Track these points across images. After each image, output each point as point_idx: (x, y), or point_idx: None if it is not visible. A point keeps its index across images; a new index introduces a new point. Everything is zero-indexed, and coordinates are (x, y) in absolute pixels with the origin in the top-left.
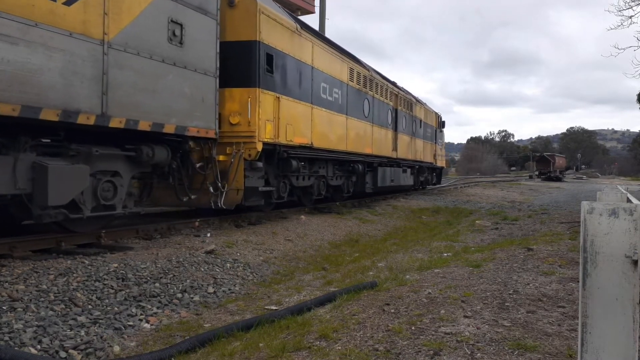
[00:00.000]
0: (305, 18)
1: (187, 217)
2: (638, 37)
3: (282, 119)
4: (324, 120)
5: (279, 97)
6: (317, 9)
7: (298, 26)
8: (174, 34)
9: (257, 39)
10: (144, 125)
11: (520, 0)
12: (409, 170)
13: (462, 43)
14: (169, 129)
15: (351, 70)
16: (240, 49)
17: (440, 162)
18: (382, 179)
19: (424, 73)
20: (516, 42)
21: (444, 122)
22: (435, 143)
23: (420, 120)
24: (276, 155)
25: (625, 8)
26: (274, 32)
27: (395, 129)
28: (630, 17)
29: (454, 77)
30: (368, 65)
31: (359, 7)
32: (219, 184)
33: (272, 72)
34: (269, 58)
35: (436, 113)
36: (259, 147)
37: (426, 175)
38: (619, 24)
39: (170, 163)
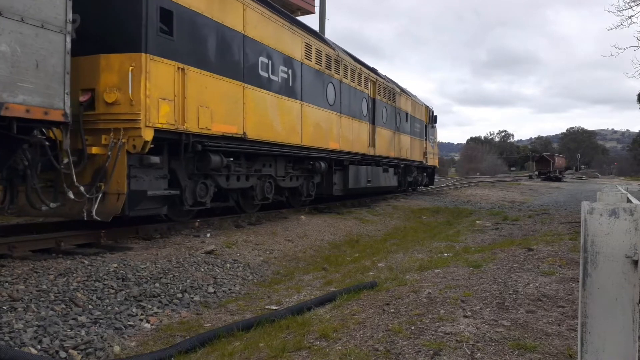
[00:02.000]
0: (305, 18)
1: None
2: (638, 37)
3: (190, 98)
4: (264, 104)
5: (184, 69)
6: (317, 9)
7: None
8: None
9: None
10: None
11: (518, 0)
12: (391, 169)
13: (460, 43)
14: None
15: (308, 46)
16: None
17: (432, 161)
18: (355, 180)
19: (423, 73)
20: (514, 41)
21: (435, 117)
22: (426, 140)
23: (407, 114)
24: (182, 148)
25: (625, 8)
26: None
27: (373, 122)
28: (630, 17)
29: (453, 77)
30: (335, 44)
31: (355, 7)
32: (94, 187)
33: (171, 34)
34: (166, 15)
35: (426, 106)
36: (147, 135)
37: (415, 176)
38: (619, 24)
39: (14, 158)
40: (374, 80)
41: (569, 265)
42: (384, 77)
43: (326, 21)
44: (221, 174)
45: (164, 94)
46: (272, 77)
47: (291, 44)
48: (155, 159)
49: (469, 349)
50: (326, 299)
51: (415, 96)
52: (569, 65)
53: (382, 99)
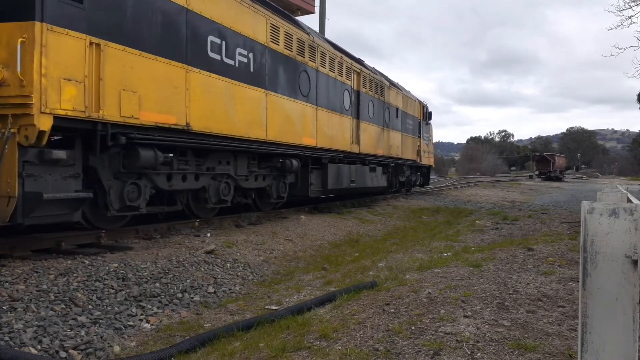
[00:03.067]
0: (305, 18)
1: (187, 218)
2: (638, 37)
3: (109, 80)
4: (215, 92)
5: (99, 45)
6: (317, 9)
7: None
8: None
9: None
10: None
11: (517, 0)
12: (379, 168)
13: (459, 42)
14: None
15: (274, 28)
16: None
17: (427, 160)
18: (336, 180)
19: (422, 73)
20: (513, 41)
21: (430, 113)
22: (420, 137)
23: (397, 109)
24: (99, 140)
25: (625, 8)
26: None
27: (357, 116)
28: (630, 17)
29: (452, 77)
30: (309, 29)
31: (354, 7)
32: None
33: (80, 1)
34: None
35: (420, 102)
36: (44, 123)
37: (408, 175)
38: (619, 24)
39: None
40: (358, 71)
41: (568, 265)
42: (371, 69)
43: (326, 21)
44: (159, 173)
45: (69, 74)
46: (226, 60)
47: (252, 24)
48: (61, 154)
49: (469, 349)
50: (326, 299)
51: (407, 91)
52: (569, 65)
53: (367, 92)
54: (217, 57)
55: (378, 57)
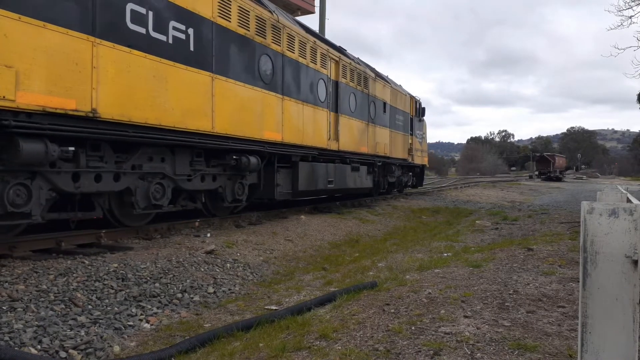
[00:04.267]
0: (305, 18)
1: (187, 217)
2: (638, 37)
3: None
4: (138, 72)
5: None
6: (317, 9)
7: None
8: None
9: None
10: None
11: None
12: (363, 168)
13: (457, 42)
14: None
15: (224, 1)
16: None
17: (420, 159)
18: (309, 180)
19: (421, 73)
20: (512, 40)
21: (423, 109)
22: (412, 135)
23: (384, 103)
24: None
25: (625, 8)
26: None
27: (336, 110)
28: (630, 17)
29: (451, 77)
30: (275, 8)
31: (352, 6)
32: None
33: None
34: None
35: (412, 97)
36: None
37: (398, 176)
38: (619, 24)
39: None
40: (337, 59)
41: (568, 265)
42: (354, 58)
43: (326, 21)
44: (60, 171)
45: None
46: (155, 35)
47: None
48: None
49: (469, 349)
50: (326, 299)
51: (397, 84)
52: (568, 64)
53: (348, 83)
54: (141, 30)
55: (377, 56)
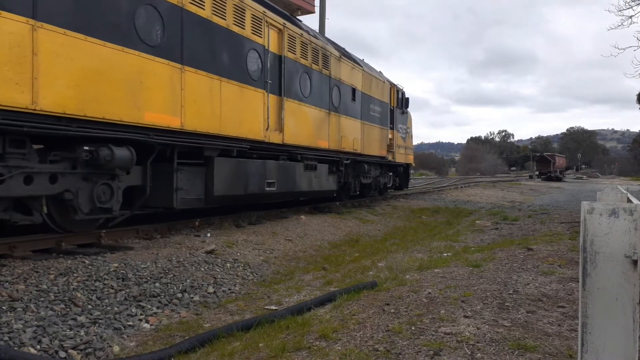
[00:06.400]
0: (305, 18)
1: (187, 217)
2: (638, 37)
3: None
4: None
5: None
6: (317, 9)
7: None
8: None
9: None
10: None
11: None
12: (323, 167)
13: (456, 42)
14: None
15: None
16: None
17: (403, 157)
18: (234, 182)
19: (421, 73)
20: (511, 40)
21: (407, 100)
22: (393, 129)
23: (354, 89)
24: None
25: (625, 8)
26: None
27: (280, 92)
28: (631, 17)
29: (450, 77)
30: None
31: (351, 6)
32: None
33: None
34: None
35: (393, 85)
36: None
37: (376, 176)
38: (619, 23)
39: None
40: (280, 26)
41: (568, 265)
42: (309, 30)
43: (326, 21)
44: None
45: None
46: None
47: None
48: None
49: (469, 349)
50: (326, 299)
51: (372, 68)
52: (568, 64)
53: (299, 60)
54: None
55: (376, 56)
